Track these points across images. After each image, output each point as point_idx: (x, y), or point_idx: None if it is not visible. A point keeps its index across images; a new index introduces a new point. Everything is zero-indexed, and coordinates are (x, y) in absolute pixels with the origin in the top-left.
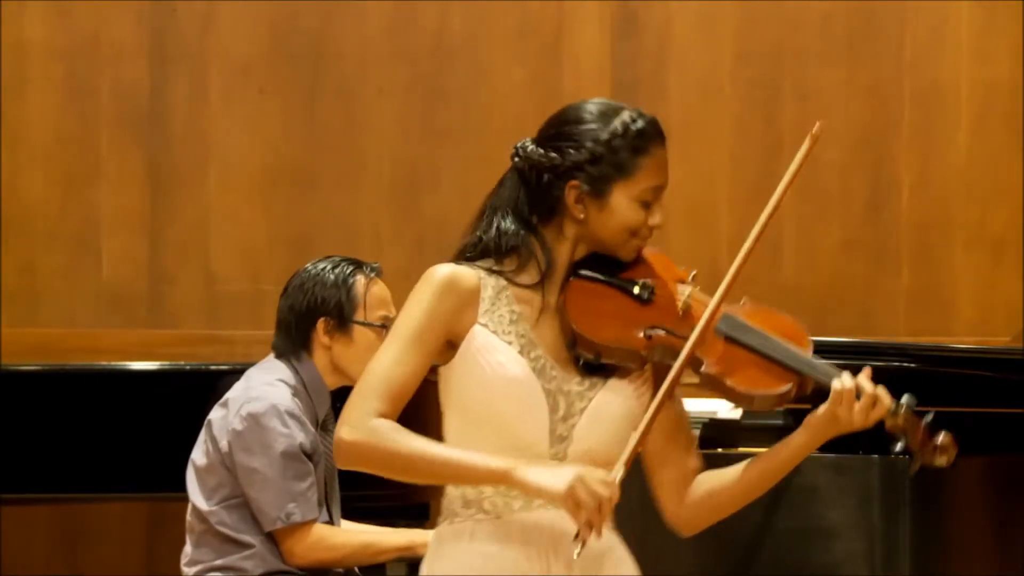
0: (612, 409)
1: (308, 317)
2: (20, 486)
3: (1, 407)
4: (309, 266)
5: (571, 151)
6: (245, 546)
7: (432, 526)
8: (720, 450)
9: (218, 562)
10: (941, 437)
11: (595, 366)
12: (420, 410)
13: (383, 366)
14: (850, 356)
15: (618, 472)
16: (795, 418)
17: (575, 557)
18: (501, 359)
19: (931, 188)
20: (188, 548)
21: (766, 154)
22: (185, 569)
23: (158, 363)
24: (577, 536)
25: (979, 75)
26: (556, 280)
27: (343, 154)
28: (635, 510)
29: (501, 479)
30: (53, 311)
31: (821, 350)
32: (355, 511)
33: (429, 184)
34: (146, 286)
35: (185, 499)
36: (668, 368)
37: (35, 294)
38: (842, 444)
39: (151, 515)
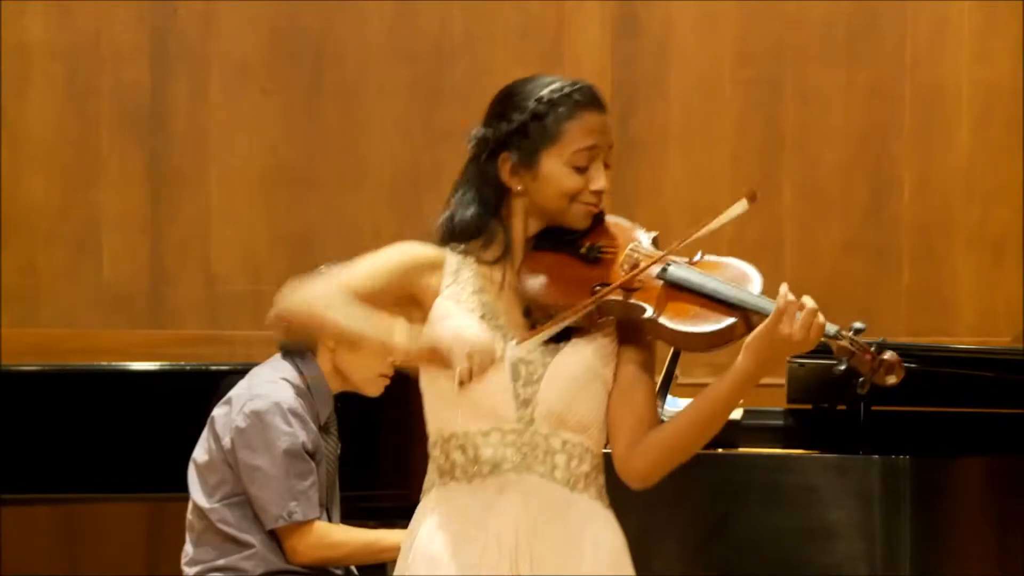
0: (571, 369)
1: None
2: (21, 486)
3: (1, 407)
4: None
5: (500, 124)
6: (245, 545)
7: None
8: (720, 450)
9: (219, 562)
10: (887, 355)
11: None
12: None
13: (344, 270)
14: None
15: (520, 342)
16: (795, 418)
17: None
18: (461, 324)
19: (932, 188)
20: (188, 547)
21: (767, 154)
22: (185, 569)
23: (158, 363)
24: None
25: (980, 75)
26: (516, 257)
27: (344, 154)
28: (635, 511)
29: (379, 345)
30: (54, 311)
31: (821, 350)
32: (355, 511)
33: (430, 184)
34: (147, 286)
35: (185, 499)
36: (630, 325)
37: (36, 294)
38: (843, 445)
39: (151, 515)
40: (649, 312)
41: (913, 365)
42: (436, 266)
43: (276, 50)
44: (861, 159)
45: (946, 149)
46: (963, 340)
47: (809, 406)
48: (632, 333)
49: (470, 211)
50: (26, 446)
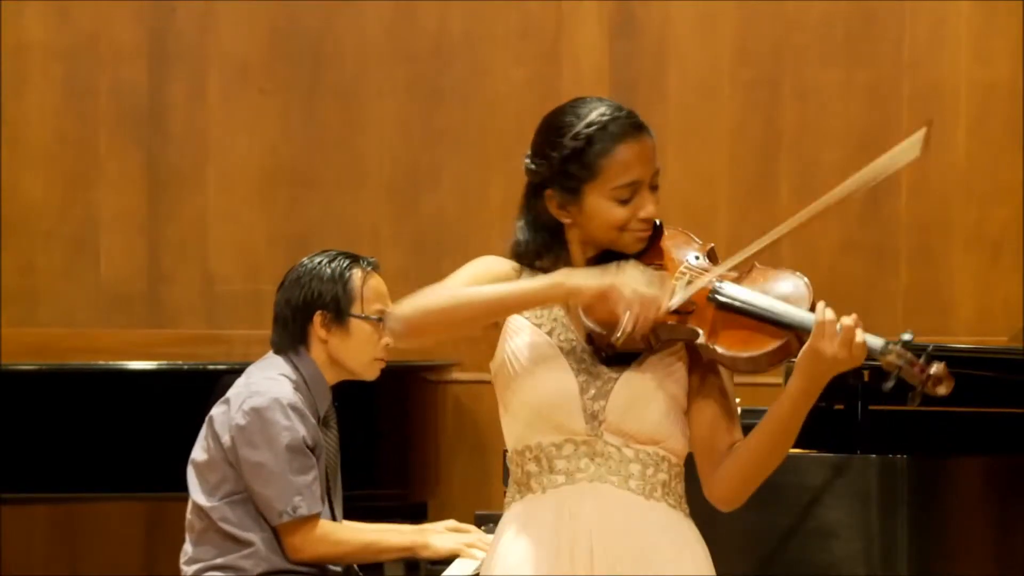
0: (636, 388)
1: (305, 311)
2: (19, 486)
3: (0, 407)
4: (305, 260)
5: (543, 162)
6: (246, 544)
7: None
8: None
9: (218, 560)
10: (935, 368)
11: (617, 355)
12: (425, 409)
13: (434, 287)
14: None
15: (673, 295)
16: None
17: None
18: (530, 340)
19: (930, 188)
20: (188, 547)
21: (765, 154)
22: (184, 568)
23: (157, 363)
24: (611, 333)
25: (978, 75)
26: None
27: (342, 154)
28: None
29: (556, 288)
30: (52, 311)
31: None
32: (354, 510)
33: (428, 184)
34: (145, 286)
35: (184, 498)
36: (694, 344)
37: (34, 294)
38: (840, 444)
39: (149, 515)
40: (701, 337)
41: None
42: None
43: (275, 50)
44: (859, 159)
45: (944, 149)
46: (961, 340)
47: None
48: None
49: (533, 238)
50: (25, 445)
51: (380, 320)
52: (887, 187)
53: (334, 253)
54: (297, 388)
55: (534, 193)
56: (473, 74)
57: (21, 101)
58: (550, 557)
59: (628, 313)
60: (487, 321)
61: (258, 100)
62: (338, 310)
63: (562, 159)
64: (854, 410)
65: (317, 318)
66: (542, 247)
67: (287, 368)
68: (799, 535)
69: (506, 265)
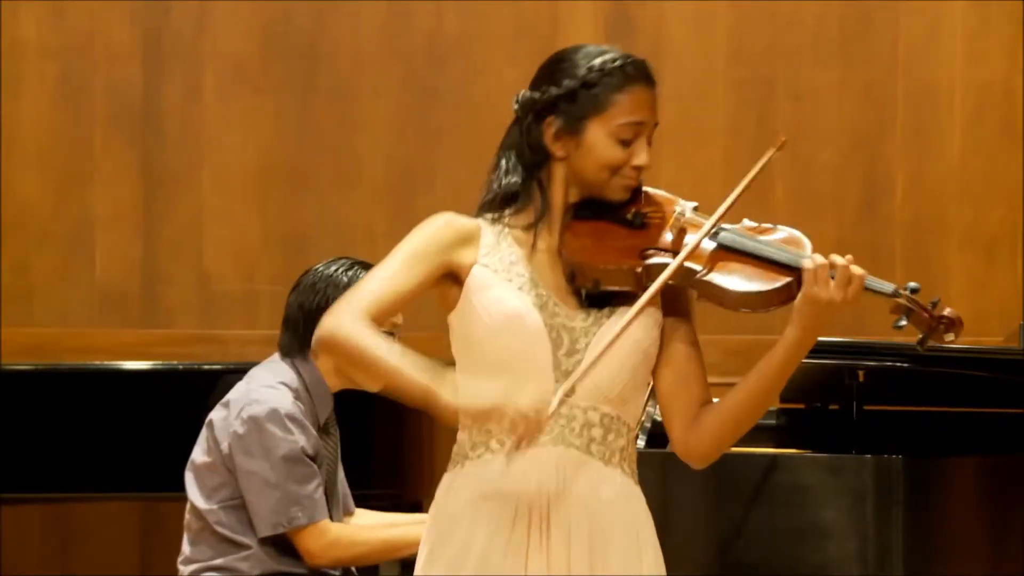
0: (618, 344)
1: (316, 316)
2: (14, 486)
3: None
4: (321, 266)
5: (551, 88)
6: (242, 547)
7: None
8: None
9: (215, 562)
10: (947, 310)
11: (597, 298)
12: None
13: (376, 279)
14: (845, 356)
15: (560, 389)
16: (789, 417)
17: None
18: (500, 295)
19: (925, 188)
20: (185, 547)
21: (760, 154)
22: (181, 568)
23: (152, 363)
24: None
25: (973, 75)
26: (554, 222)
27: (337, 154)
28: None
29: (426, 397)
30: (47, 311)
31: (817, 350)
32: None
33: (423, 184)
34: (140, 286)
35: (179, 499)
36: (677, 294)
37: (29, 294)
38: (836, 444)
39: (145, 515)
40: (699, 274)
41: (905, 365)
42: (471, 239)
43: (269, 49)
44: (854, 159)
45: (939, 149)
46: (956, 340)
47: (802, 405)
48: (677, 307)
49: (512, 175)
50: (20, 445)
51: (391, 334)
52: (882, 187)
53: (350, 262)
54: (298, 397)
55: (529, 123)
56: (468, 74)
57: (16, 101)
58: (508, 518)
59: (512, 430)
60: (377, 382)
61: (253, 100)
62: None
63: (574, 87)
64: (850, 410)
65: None
66: (520, 188)
67: (289, 374)
68: (794, 535)
69: (464, 224)
